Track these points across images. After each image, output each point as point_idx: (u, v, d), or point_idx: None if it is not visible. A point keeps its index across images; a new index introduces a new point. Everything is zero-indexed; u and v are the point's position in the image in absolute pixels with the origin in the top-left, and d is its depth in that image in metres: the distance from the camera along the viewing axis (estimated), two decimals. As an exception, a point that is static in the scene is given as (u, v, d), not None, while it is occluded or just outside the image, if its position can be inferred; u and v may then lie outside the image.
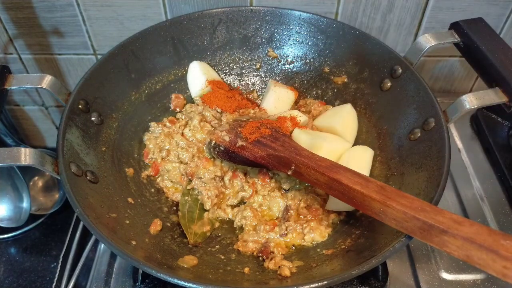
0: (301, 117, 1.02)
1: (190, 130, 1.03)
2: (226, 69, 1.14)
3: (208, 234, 0.89)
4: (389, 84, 0.97)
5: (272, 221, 0.91)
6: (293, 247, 0.87)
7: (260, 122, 0.96)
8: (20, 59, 1.24)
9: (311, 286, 0.65)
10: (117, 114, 0.99)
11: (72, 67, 1.27)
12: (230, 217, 0.93)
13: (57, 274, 1.10)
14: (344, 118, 1.00)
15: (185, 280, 0.65)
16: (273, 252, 0.84)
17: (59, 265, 1.12)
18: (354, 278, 0.87)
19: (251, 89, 1.15)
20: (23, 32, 1.17)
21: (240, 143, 0.91)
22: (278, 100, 1.07)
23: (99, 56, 1.24)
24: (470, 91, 1.35)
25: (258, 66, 1.15)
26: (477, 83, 1.33)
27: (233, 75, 1.15)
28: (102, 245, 1.00)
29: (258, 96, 1.15)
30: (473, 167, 1.13)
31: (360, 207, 0.73)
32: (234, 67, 1.14)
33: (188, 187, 0.95)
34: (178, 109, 1.10)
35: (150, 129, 1.04)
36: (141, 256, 0.74)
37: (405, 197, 0.68)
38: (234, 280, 0.78)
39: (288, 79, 1.14)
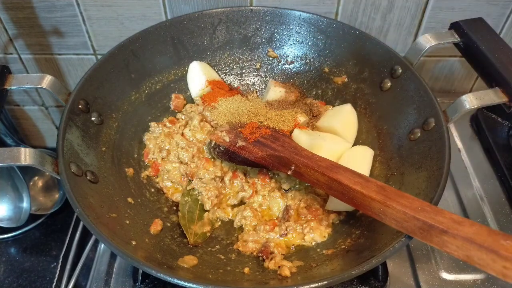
0: (301, 117, 1.02)
1: (190, 130, 1.03)
2: (226, 69, 1.14)
3: (208, 234, 0.89)
4: (389, 84, 0.97)
5: (272, 221, 0.91)
6: (293, 247, 0.87)
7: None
8: (20, 59, 1.24)
9: (311, 286, 0.65)
10: (117, 114, 0.99)
11: (72, 67, 1.27)
12: (230, 217, 0.93)
13: (57, 274, 1.10)
14: (344, 118, 1.00)
15: (185, 280, 0.65)
16: (273, 252, 0.84)
17: (59, 265, 1.12)
18: (354, 278, 0.87)
19: (251, 89, 1.15)
20: (23, 32, 1.17)
21: (240, 143, 0.91)
22: (278, 100, 1.07)
23: (99, 56, 1.24)
24: (470, 91, 1.35)
25: (258, 66, 1.15)
26: (477, 83, 1.33)
27: (233, 75, 1.15)
28: (102, 245, 1.00)
29: (258, 96, 1.15)
30: (473, 167, 1.13)
31: (360, 207, 0.73)
32: (234, 67, 1.14)
33: (188, 188, 0.95)
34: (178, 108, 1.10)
35: (150, 129, 1.04)
36: (141, 256, 0.74)
37: (405, 197, 0.68)
38: (234, 280, 0.78)
39: (288, 79, 1.14)
